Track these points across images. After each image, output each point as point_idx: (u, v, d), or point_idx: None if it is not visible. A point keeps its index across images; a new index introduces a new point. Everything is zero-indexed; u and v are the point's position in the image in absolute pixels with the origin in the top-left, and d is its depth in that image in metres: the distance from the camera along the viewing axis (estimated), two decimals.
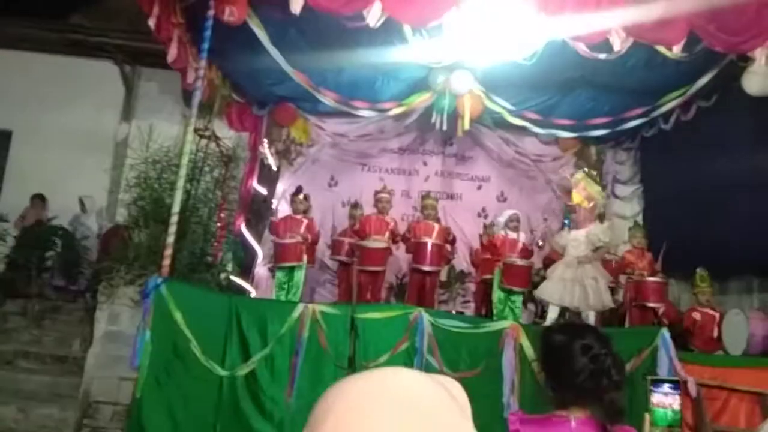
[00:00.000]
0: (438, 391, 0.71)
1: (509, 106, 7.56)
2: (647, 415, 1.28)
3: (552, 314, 6.19)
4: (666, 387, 1.13)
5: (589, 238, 6.16)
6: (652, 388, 1.16)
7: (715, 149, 6.62)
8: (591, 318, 6.10)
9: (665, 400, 1.13)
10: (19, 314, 7.35)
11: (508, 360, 5.10)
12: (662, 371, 4.74)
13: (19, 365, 6.54)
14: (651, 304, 6.56)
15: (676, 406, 1.11)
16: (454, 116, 7.52)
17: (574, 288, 6.07)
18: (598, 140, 8.56)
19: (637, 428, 3.98)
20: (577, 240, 6.25)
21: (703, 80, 6.46)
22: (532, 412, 1.96)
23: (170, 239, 5.11)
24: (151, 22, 5.51)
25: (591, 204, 6.39)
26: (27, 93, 8.83)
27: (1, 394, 5.86)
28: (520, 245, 7.06)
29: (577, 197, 6.47)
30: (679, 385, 1.15)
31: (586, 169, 8.78)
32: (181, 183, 5.36)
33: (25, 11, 9.01)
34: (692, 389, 4.80)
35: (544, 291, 6.28)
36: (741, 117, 6.46)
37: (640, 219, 8.29)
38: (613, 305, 6.40)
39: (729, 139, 6.53)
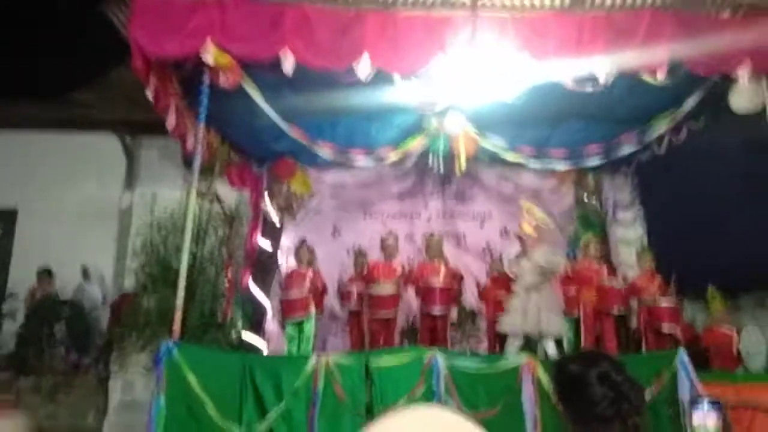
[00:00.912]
0: (471, 424, 0.75)
1: (503, 144, 7.68)
2: None
3: (512, 347, 6.13)
4: (705, 406, 1.14)
5: (532, 264, 6.19)
6: (691, 408, 1.17)
7: (711, 168, 6.70)
8: (549, 347, 6.06)
9: (707, 421, 1.13)
10: (32, 391, 7.29)
11: (528, 396, 5.04)
12: (683, 394, 4.67)
13: None
14: (666, 330, 6.51)
15: (717, 424, 1.11)
16: (451, 157, 7.63)
17: (525, 317, 6.07)
18: (594, 168, 8.64)
19: None
20: (523, 268, 6.28)
21: (690, 102, 6.58)
22: None
23: (179, 302, 5.14)
24: (150, 94, 5.69)
25: (538, 232, 6.43)
26: (30, 171, 9.02)
27: None
28: None
29: (527, 227, 6.53)
30: (719, 404, 1.15)
31: (585, 198, 8.85)
32: (187, 246, 5.42)
33: (25, 92, 9.30)
34: None
35: (504, 324, 6.26)
36: (732, 134, 6.54)
37: (644, 242, 8.30)
38: (563, 334, 6.36)
39: (723, 158, 6.60)
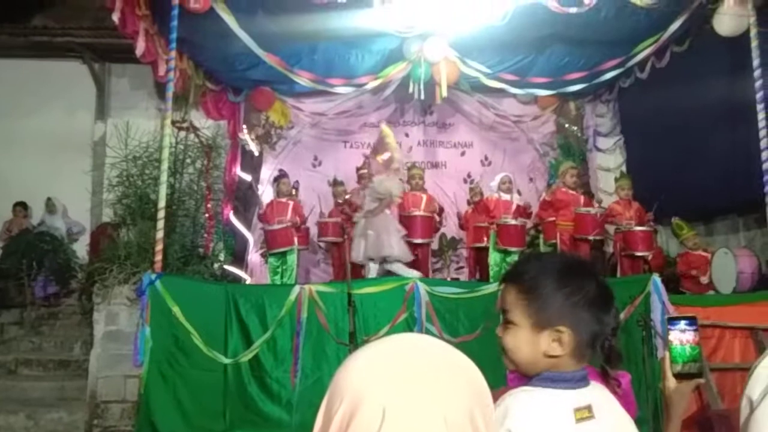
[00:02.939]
0: (454, 349, 0.74)
1: (485, 70, 7.53)
2: (667, 353, 1.35)
3: (372, 272, 6.25)
4: (682, 324, 1.18)
5: (370, 191, 6.22)
6: (669, 327, 1.23)
7: (691, 93, 6.66)
8: (372, 271, 6.15)
9: (682, 337, 1.18)
10: (15, 324, 7.34)
11: None
12: (655, 316, 4.84)
13: (22, 373, 6.55)
14: (639, 253, 6.66)
15: (694, 341, 1.16)
16: (431, 84, 7.49)
17: (360, 242, 6.16)
18: (576, 95, 8.57)
19: (637, 373, 4.07)
20: (365, 196, 6.32)
21: (675, 25, 6.47)
22: None
23: (159, 234, 5.11)
24: (115, 17, 5.42)
25: (386, 157, 6.38)
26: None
27: (8, 403, 5.88)
28: (513, 206, 7.15)
29: (379, 155, 6.48)
30: (695, 321, 1.20)
31: (567, 125, 8.81)
32: (164, 177, 5.34)
33: None
34: None
35: (353, 253, 6.35)
36: (715, 58, 6.49)
37: (624, 170, 8.36)
38: (409, 258, 6.46)
39: (704, 82, 6.56)
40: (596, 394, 1.23)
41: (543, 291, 1.24)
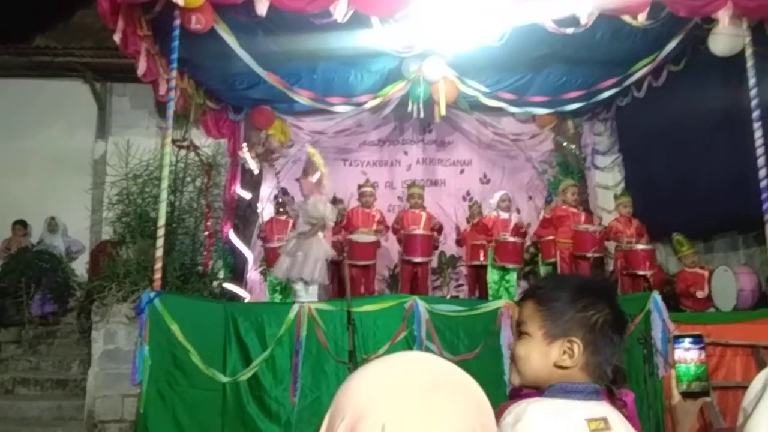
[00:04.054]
0: (456, 367, 0.75)
1: (483, 89, 7.60)
2: (673, 372, 1.36)
3: (300, 291, 6.18)
4: (687, 342, 1.18)
5: (303, 212, 6.19)
6: (674, 345, 1.23)
7: (688, 111, 6.71)
8: (306, 293, 6.06)
9: (686, 355, 1.18)
10: (13, 342, 7.30)
11: (507, 338, 5.16)
12: (656, 334, 4.83)
13: (20, 393, 6.49)
14: (641, 272, 6.66)
15: (699, 359, 1.16)
16: (430, 103, 7.55)
17: (288, 261, 6.10)
18: (574, 114, 8.63)
19: (639, 391, 4.04)
20: (299, 216, 6.30)
21: (671, 45, 6.54)
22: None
23: (159, 252, 5.11)
24: (117, 38, 5.46)
25: (316, 178, 6.35)
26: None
27: (6, 423, 5.82)
28: (511, 224, 7.15)
29: (310, 175, 6.47)
30: (701, 339, 1.20)
31: (565, 143, 8.85)
32: (164, 195, 5.35)
33: None
34: None
35: (275, 269, 6.28)
36: (711, 77, 6.54)
37: (622, 187, 8.39)
38: (325, 282, 6.36)
39: (701, 101, 6.61)
40: (609, 409, 1.24)
41: (557, 303, 1.27)
